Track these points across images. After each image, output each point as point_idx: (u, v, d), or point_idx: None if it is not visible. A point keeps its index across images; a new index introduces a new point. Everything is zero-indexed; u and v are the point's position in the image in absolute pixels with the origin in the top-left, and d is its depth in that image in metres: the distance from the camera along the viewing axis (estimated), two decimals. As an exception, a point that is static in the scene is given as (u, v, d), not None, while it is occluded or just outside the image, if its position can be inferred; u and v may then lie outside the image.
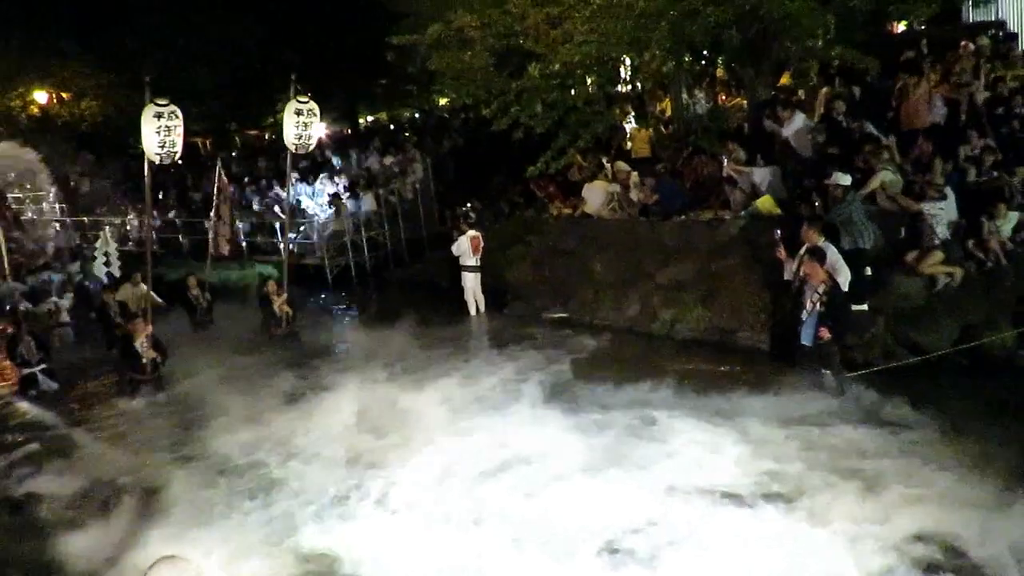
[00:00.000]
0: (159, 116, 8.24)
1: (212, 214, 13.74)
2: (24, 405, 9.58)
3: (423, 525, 5.70)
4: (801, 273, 7.44)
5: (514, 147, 12.61)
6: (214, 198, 13.30)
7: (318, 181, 17.22)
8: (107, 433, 8.36)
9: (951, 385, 7.29)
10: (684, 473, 6.03)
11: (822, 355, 7.37)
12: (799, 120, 10.36)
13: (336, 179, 17.16)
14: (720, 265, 9.79)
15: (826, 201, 8.64)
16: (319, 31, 23.40)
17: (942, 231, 8.43)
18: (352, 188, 16.26)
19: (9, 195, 19.69)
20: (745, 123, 12.22)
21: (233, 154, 24.34)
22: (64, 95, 24.19)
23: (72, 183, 21.31)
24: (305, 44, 23.04)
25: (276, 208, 16.44)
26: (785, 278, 8.02)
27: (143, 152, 8.61)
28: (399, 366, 9.24)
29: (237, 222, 15.22)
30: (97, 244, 14.64)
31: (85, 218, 19.69)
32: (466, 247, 11.48)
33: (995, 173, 8.97)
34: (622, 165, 12.06)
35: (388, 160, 17.48)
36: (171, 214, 18.37)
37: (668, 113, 14.04)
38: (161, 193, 19.22)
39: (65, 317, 12.63)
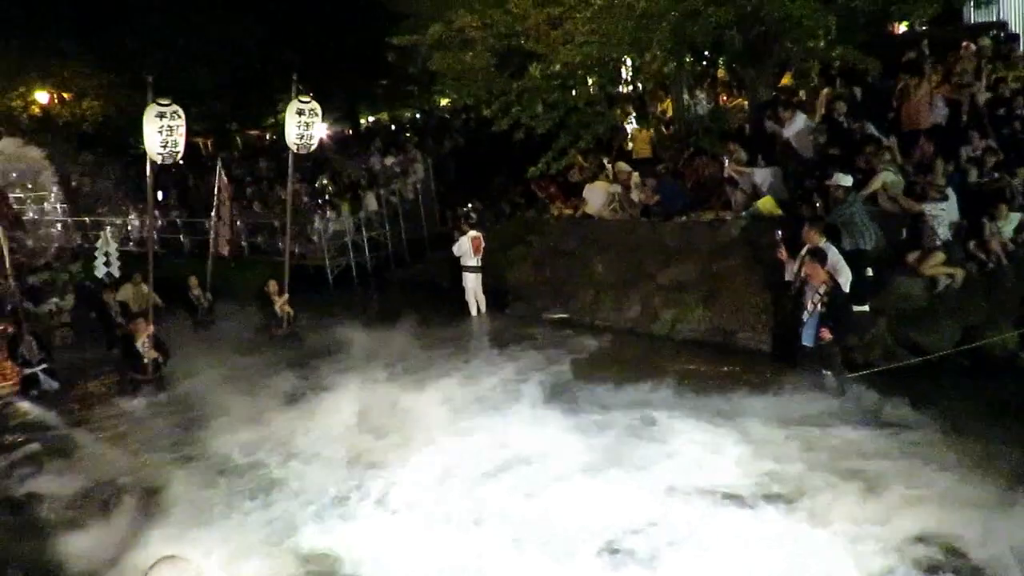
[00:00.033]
0: (161, 116, 8.24)
1: (213, 214, 13.76)
2: (25, 405, 9.61)
3: (423, 525, 5.69)
4: (802, 274, 7.43)
5: (515, 148, 12.62)
6: (215, 198, 13.32)
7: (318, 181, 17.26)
8: (108, 433, 8.37)
9: (952, 386, 7.27)
10: (684, 473, 6.01)
11: (823, 356, 7.36)
12: (800, 121, 10.34)
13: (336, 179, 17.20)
14: (721, 266, 9.79)
15: (827, 202, 8.62)
16: (319, 31, 23.42)
17: (943, 232, 8.41)
18: (353, 188, 16.27)
19: (11, 195, 19.68)
20: (746, 124, 12.19)
21: (235, 154, 24.36)
22: (65, 95, 24.24)
23: (73, 183, 21.34)
24: (305, 44, 23.05)
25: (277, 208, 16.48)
26: (786, 279, 7.99)
27: (144, 152, 8.62)
28: (400, 366, 9.24)
29: (237, 222, 15.24)
30: (98, 244, 14.64)
31: (87, 218, 19.72)
32: (467, 247, 11.49)
33: (996, 174, 8.96)
34: (623, 166, 12.07)
35: (389, 160, 17.50)
36: (173, 214, 18.39)
37: (669, 114, 14.01)
38: (161, 193, 19.24)
39: (66, 317, 12.64)
